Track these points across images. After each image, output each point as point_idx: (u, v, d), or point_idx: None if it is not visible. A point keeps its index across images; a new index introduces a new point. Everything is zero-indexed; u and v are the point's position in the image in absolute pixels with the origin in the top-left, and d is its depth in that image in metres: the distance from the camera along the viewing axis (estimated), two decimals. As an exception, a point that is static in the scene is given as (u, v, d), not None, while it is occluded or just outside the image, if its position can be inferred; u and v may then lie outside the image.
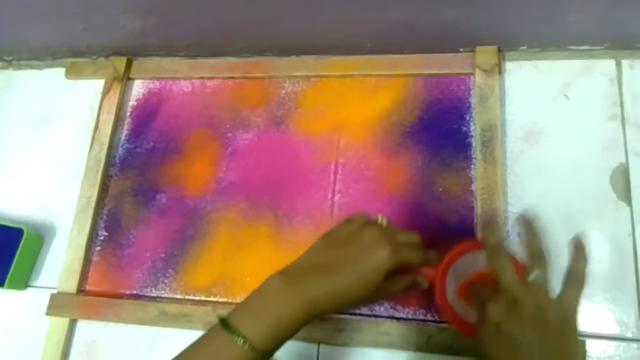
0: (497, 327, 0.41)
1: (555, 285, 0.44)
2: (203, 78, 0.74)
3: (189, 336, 0.60)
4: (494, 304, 0.43)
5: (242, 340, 0.40)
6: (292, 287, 0.43)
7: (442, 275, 0.50)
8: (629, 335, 0.53)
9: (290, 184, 0.66)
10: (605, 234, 0.56)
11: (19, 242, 0.66)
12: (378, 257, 0.44)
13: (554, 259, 0.55)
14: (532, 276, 0.44)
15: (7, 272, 0.65)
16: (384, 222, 0.50)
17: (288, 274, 0.45)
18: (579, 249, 0.46)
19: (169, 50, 0.75)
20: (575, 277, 0.44)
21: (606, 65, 0.62)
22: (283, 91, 0.71)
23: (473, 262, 0.50)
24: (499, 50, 0.64)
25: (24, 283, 0.68)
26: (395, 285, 0.49)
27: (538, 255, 0.45)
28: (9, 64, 0.82)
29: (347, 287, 0.44)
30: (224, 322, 0.42)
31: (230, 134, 0.70)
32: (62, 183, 0.72)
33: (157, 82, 0.75)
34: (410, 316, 0.57)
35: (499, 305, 0.42)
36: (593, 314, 0.54)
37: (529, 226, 0.47)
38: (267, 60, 0.72)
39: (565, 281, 0.44)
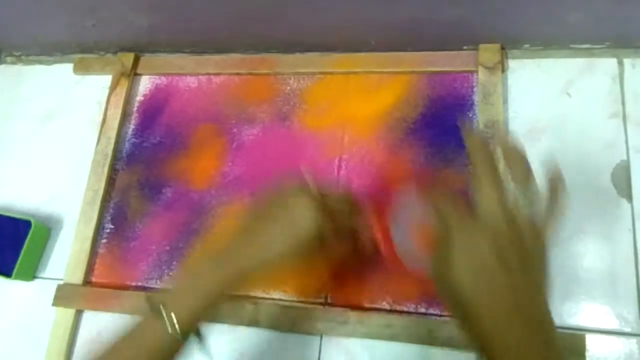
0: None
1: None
2: (209, 74, 0.75)
3: (193, 327, 0.62)
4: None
5: (166, 320, 0.40)
6: (222, 262, 0.44)
7: (384, 231, 0.47)
8: (629, 330, 0.53)
9: (294, 179, 0.66)
10: (606, 229, 0.57)
11: (26, 233, 0.67)
12: (306, 218, 0.44)
13: (558, 253, 0.57)
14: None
15: (14, 263, 0.66)
16: (314, 188, 0.47)
17: (218, 252, 0.45)
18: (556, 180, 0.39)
19: (175, 47, 0.76)
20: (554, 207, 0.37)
21: (608, 63, 0.63)
22: (288, 87, 0.71)
23: (414, 203, 0.46)
24: (502, 48, 0.65)
25: (31, 274, 0.69)
26: (333, 245, 0.48)
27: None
28: (18, 59, 0.83)
29: (274, 250, 0.44)
30: (150, 301, 0.42)
31: (235, 130, 0.70)
32: (69, 176, 0.73)
33: (163, 78, 0.76)
34: (412, 309, 0.58)
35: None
36: (593, 309, 0.55)
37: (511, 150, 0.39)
38: (273, 57, 0.73)
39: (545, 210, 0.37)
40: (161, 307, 0.41)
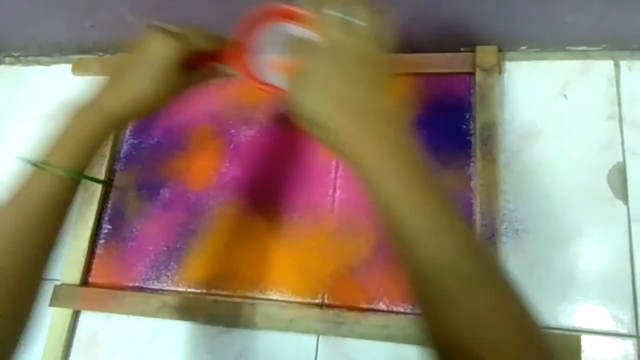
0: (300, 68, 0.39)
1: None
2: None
3: (190, 328, 0.62)
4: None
5: (49, 167, 0.42)
6: (92, 108, 0.45)
7: (241, 52, 0.48)
8: (624, 331, 0.53)
9: (291, 180, 0.66)
10: (602, 231, 0.57)
11: (24, 234, 0.67)
12: (160, 48, 0.45)
13: (554, 255, 0.57)
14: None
15: (12, 263, 0.66)
16: (168, 27, 0.48)
17: (88, 101, 0.46)
18: None
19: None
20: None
21: (604, 65, 0.63)
22: (286, 89, 0.72)
23: (274, 36, 0.47)
24: (499, 50, 0.65)
25: (28, 274, 0.69)
26: (198, 76, 0.50)
27: None
28: (17, 60, 0.84)
29: (139, 86, 0.45)
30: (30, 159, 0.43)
31: (233, 131, 0.71)
32: (67, 177, 0.73)
33: (162, 79, 0.76)
34: (409, 310, 0.58)
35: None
36: (589, 310, 0.55)
37: None
38: (271, 59, 0.73)
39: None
40: (42, 158, 0.42)
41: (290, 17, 0.46)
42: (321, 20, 0.40)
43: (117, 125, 0.46)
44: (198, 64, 0.49)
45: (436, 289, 0.33)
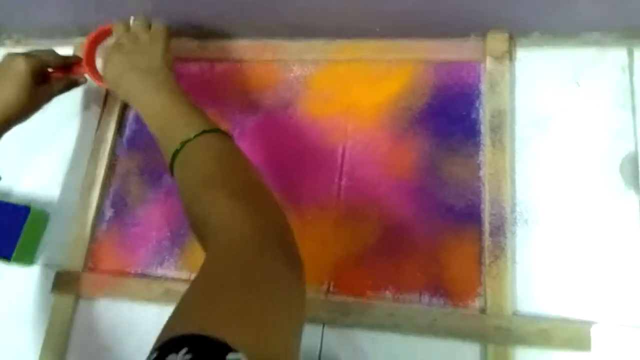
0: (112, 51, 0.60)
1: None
2: (212, 60, 0.74)
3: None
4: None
5: None
6: None
7: (87, 61, 0.67)
8: (635, 322, 0.53)
9: (297, 167, 0.66)
10: (613, 221, 0.56)
11: (25, 219, 0.66)
12: (16, 65, 0.60)
13: (564, 245, 0.56)
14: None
15: (13, 248, 0.65)
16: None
17: None
18: None
19: (178, 32, 0.74)
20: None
21: (618, 53, 0.62)
22: (292, 74, 0.70)
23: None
24: (510, 37, 0.64)
25: (30, 259, 0.68)
26: (56, 86, 0.65)
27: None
28: (17, 43, 0.82)
29: (6, 95, 0.59)
30: None
31: (238, 116, 0.70)
32: (69, 162, 0.72)
33: (165, 63, 0.75)
34: (415, 299, 0.57)
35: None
36: (600, 301, 0.54)
37: None
38: (277, 44, 0.72)
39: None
40: None
41: (108, 32, 0.66)
42: (114, 30, 0.64)
43: (7, 124, 0.61)
44: (53, 77, 0.65)
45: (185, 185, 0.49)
